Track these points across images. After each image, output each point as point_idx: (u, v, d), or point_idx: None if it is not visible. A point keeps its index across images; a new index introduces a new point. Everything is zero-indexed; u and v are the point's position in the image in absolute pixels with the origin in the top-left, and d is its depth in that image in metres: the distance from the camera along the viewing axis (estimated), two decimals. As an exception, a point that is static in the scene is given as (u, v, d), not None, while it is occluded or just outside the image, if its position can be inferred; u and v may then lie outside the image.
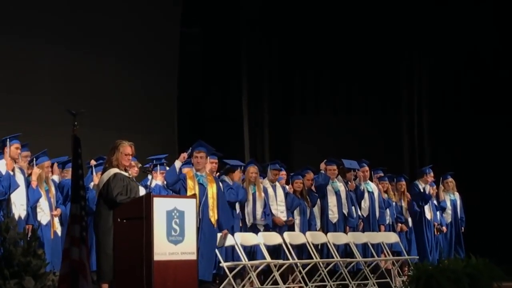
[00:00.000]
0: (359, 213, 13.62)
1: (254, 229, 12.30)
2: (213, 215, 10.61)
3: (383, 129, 18.37)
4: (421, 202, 14.55)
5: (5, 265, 6.95)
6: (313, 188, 13.38)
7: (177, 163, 10.72)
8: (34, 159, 11.01)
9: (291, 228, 12.85)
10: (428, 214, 14.75)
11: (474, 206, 15.68)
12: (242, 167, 12.45)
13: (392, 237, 13.87)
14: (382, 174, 14.44)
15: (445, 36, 18.08)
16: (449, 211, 15.05)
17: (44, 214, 10.88)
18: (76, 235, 6.62)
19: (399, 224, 14.39)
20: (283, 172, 13.42)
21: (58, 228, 11.13)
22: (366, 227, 13.65)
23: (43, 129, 13.78)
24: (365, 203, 13.71)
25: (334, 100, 18.85)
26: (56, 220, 11.12)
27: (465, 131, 17.73)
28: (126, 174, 9.23)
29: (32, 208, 10.67)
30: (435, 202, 14.89)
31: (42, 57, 14.54)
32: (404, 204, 14.56)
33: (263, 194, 12.39)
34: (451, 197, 15.14)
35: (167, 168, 11.63)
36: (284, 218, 12.57)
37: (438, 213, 14.91)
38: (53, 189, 11.09)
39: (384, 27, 18.14)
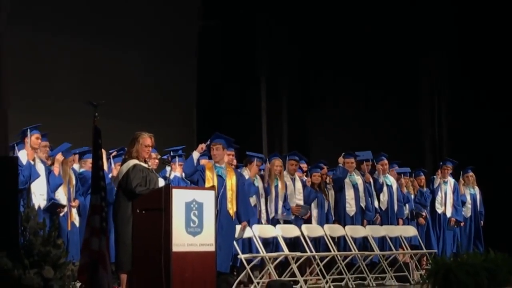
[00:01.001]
0: (376, 206, 13.60)
1: (272, 221, 12.34)
2: (231, 207, 10.61)
3: (401, 123, 18.31)
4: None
5: (25, 254, 6.97)
6: (327, 180, 13.41)
7: (195, 154, 10.73)
8: (61, 153, 11.06)
9: (308, 220, 12.88)
10: (440, 208, 14.72)
11: (494, 201, 15.63)
12: (257, 159, 12.39)
13: (410, 231, 13.85)
14: (397, 167, 14.42)
15: (464, 30, 17.99)
16: (468, 205, 15.01)
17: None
18: (96, 225, 6.65)
19: (420, 218, 14.38)
20: (304, 165, 13.47)
21: (75, 219, 11.17)
22: (384, 221, 13.65)
23: (63, 120, 13.85)
24: (384, 197, 13.71)
25: (353, 94, 18.80)
26: (74, 211, 11.16)
27: (484, 125, 17.64)
28: (146, 165, 9.25)
29: (53, 193, 10.72)
30: (452, 196, 14.83)
31: (62, 49, 14.59)
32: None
33: (285, 188, 12.46)
34: (471, 191, 15.10)
35: (185, 159, 11.67)
36: (304, 210, 12.60)
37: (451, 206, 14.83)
38: (73, 179, 11.14)
39: (403, 20, 18.06)
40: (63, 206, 10.73)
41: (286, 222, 12.48)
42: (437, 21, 18.16)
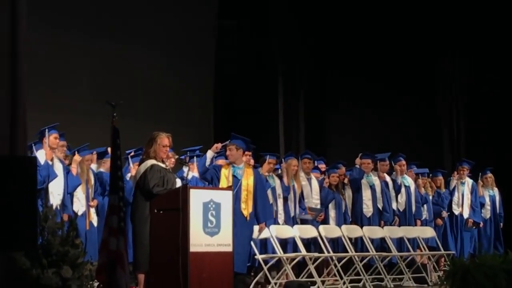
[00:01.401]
0: (394, 207, 13.54)
1: (289, 221, 12.32)
2: (245, 208, 10.58)
3: (419, 123, 18.24)
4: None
5: (43, 254, 6.97)
6: (345, 181, 13.39)
7: (209, 153, 10.73)
8: (76, 151, 11.09)
9: (326, 221, 12.85)
10: (457, 209, 14.65)
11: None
12: (269, 157, 12.36)
13: (428, 232, 13.79)
14: (415, 168, 14.38)
15: (482, 29, 17.90)
16: (488, 206, 14.91)
17: (80, 204, 10.95)
18: (114, 225, 6.65)
19: (437, 219, 14.33)
20: (322, 165, 13.46)
21: (94, 219, 11.18)
22: (402, 221, 13.59)
23: (81, 120, 13.88)
24: (402, 198, 13.65)
25: (370, 94, 18.75)
26: (92, 210, 11.18)
27: (503, 126, 17.54)
28: (163, 165, 9.25)
29: (70, 195, 10.74)
30: (470, 197, 14.75)
31: (80, 49, 14.63)
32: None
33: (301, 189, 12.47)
34: (490, 193, 15.01)
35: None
36: (317, 212, 12.59)
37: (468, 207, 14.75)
38: (92, 179, 11.15)
39: (421, 19, 17.99)
40: None
41: (303, 222, 12.47)
42: (455, 21, 18.08)
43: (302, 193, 12.58)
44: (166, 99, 15.93)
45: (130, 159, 11.62)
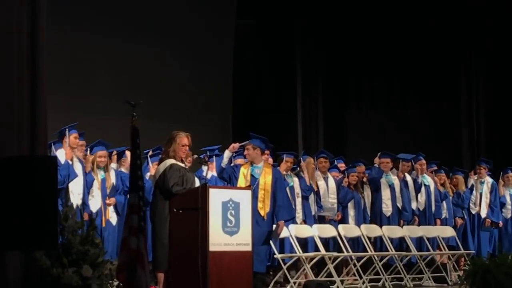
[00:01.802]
0: (414, 206, 13.49)
1: (309, 221, 12.32)
2: (262, 207, 10.55)
3: (439, 123, 18.18)
4: None
5: (63, 253, 6.99)
6: (364, 180, 13.37)
7: (226, 153, 10.70)
8: (89, 149, 11.13)
9: (345, 220, 12.83)
10: (475, 209, 14.57)
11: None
12: (286, 155, 12.36)
13: (448, 231, 13.74)
14: (436, 168, 14.33)
15: (503, 30, 17.83)
16: (508, 206, 14.82)
17: (95, 202, 10.97)
18: (134, 224, 6.65)
19: (457, 218, 14.27)
20: (342, 164, 13.46)
21: (111, 217, 11.20)
22: (421, 221, 13.55)
23: (100, 120, 13.92)
24: (422, 197, 13.61)
25: (389, 94, 18.71)
26: (110, 209, 11.19)
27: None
28: (182, 165, 9.26)
29: (88, 192, 10.78)
30: (489, 196, 14.66)
31: (100, 49, 14.68)
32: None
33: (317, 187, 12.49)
34: (511, 192, 14.92)
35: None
36: (332, 212, 12.59)
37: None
38: (111, 178, 11.16)
39: (441, 19, 17.94)
40: None
41: (320, 219, 12.46)
42: (475, 21, 18.01)
43: (318, 191, 12.59)
44: (185, 98, 15.94)
45: (149, 159, 11.64)
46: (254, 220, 10.17)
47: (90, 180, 10.88)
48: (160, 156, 9.74)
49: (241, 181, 10.51)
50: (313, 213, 12.44)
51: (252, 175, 10.59)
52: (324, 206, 12.62)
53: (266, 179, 10.63)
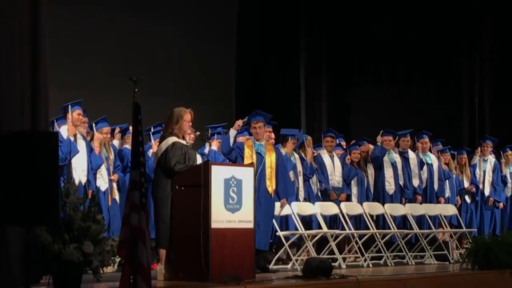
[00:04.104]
0: (415, 184, 13.47)
1: (310, 199, 12.33)
2: (270, 185, 10.52)
3: (443, 101, 18.13)
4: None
5: (65, 229, 7.00)
6: (369, 158, 13.36)
7: (232, 132, 10.55)
8: (94, 124, 11.11)
9: (348, 198, 12.84)
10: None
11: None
12: (291, 137, 12.36)
13: (450, 210, 13.73)
14: (441, 146, 14.31)
15: (508, 5, 17.73)
16: (509, 184, 14.81)
17: (103, 181, 10.98)
18: (136, 201, 6.64)
19: (458, 197, 14.27)
20: (343, 142, 13.45)
21: (117, 195, 11.22)
22: (423, 199, 13.55)
23: (103, 96, 13.91)
24: (424, 175, 13.60)
25: (394, 72, 18.65)
26: (115, 187, 11.20)
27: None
28: (184, 142, 9.23)
29: (93, 173, 10.77)
30: (492, 175, 14.64)
31: (102, 24, 14.66)
32: (465, 177, 14.42)
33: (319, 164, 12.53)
34: (511, 170, 14.90)
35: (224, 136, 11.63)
36: (338, 191, 12.61)
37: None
38: (112, 155, 11.18)
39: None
40: None
41: (323, 194, 12.47)
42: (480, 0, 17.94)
43: (324, 169, 12.58)
44: (188, 75, 15.92)
45: (151, 136, 11.62)
46: (263, 199, 10.20)
47: (100, 162, 10.85)
48: (161, 133, 9.68)
49: (248, 160, 10.44)
50: (315, 192, 12.44)
51: (258, 153, 10.54)
52: (331, 184, 12.63)
53: (271, 157, 10.60)
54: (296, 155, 12.39)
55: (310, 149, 12.59)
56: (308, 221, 12.13)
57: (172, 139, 9.10)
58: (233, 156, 10.51)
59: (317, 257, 10.77)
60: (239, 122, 10.55)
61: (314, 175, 12.52)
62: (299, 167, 12.32)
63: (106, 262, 7.27)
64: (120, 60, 14.61)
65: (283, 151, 11.88)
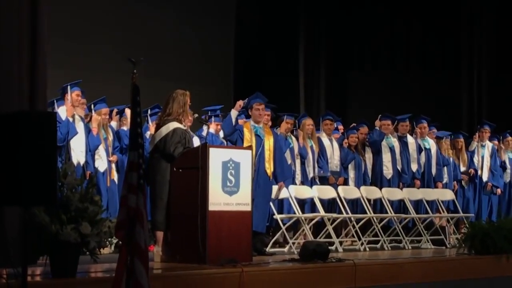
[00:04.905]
0: (414, 169, 13.47)
1: (306, 182, 12.33)
2: (269, 167, 10.52)
3: (441, 86, 18.12)
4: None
5: (62, 210, 6.99)
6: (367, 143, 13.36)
7: (233, 113, 10.48)
8: (92, 105, 11.10)
9: (345, 182, 12.85)
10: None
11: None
12: (286, 117, 12.35)
13: (447, 195, 13.74)
14: (435, 130, 14.29)
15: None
16: (508, 170, 14.82)
17: (102, 162, 10.98)
18: (134, 182, 6.62)
19: (454, 182, 14.27)
20: (340, 126, 13.45)
21: (115, 176, 11.22)
22: (421, 184, 13.55)
23: (102, 77, 13.89)
24: (421, 160, 13.60)
25: (392, 56, 18.63)
26: (114, 168, 11.21)
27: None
28: (183, 126, 9.18)
29: (91, 154, 10.77)
30: (490, 160, 14.65)
31: (102, 6, 14.62)
32: (461, 162, 14.42)
33: (320, 148, 12.48)
34: (510, 156, 14.91)
35: (222, 119, 11.61)
36: (336, 175, 12.61)
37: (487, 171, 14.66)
38: (110, 136, 11.18)
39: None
40: None
41: (322, 182, 12.47)
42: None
43: (324, 152, 12.58)
44: (187, 57, 15.90)
45: (149, 117, 11.61)
46: (261, 181, 10.19)
47: (97, 143, 10.84)
48: (161, 116, 9.60)
49: (247, 143, 10.43)
50: (311, 175, 12.42)
51: (257, 135, 10.52)
52: (330, 168, 12.63)
53: (269, 140, 10.60)
54: (293, 138, 12.40)
55: (303, 128, 12.56)
56: (305, 205, 12.13)
57: (173, 125, 9.03)
58: (234, 138, 10.47)
59: (314, 241, 10.77)
60: (240, 103, 10.50)
61: (310, 156, 12.48)
62: (297, 150, 12.33)
63: (103, 243, 7.26)
64: (119, 42, 14.59)
65: (277, 131, 11.88)
